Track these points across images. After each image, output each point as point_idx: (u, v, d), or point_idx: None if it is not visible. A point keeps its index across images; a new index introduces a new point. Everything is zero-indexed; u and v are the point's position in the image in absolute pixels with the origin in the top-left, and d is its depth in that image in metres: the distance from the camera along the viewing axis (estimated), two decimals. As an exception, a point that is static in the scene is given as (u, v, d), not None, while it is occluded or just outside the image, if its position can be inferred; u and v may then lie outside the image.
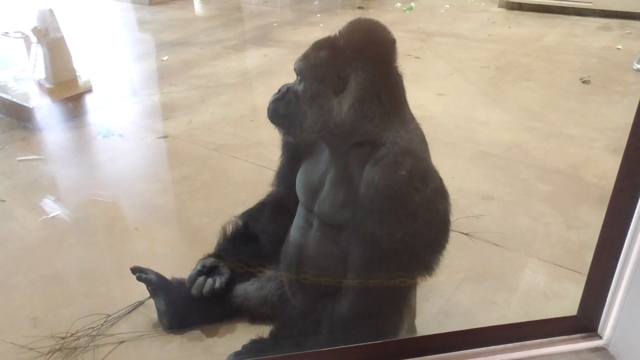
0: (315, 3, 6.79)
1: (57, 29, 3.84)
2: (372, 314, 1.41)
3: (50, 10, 3.83)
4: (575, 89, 3.82)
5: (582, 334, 1.20)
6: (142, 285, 1.80)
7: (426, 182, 1.33)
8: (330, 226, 1.49)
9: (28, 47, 4.02)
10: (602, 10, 5.64)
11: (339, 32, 1.39)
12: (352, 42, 1.35)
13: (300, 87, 1.40)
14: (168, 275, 1.85)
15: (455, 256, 2.10)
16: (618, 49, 4.68)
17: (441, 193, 1.37)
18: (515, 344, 1.18)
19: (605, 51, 4.63)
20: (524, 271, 2.06)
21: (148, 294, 1.83)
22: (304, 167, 1.61)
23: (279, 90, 1.46)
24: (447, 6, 6.33)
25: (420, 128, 1.45)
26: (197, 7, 6.94)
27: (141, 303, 1.89)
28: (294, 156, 1.69)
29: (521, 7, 6.03)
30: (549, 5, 5.87)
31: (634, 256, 1.06)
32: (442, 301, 1.91)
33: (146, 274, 1.76)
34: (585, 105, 3.54)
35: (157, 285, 1.76)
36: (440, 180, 1.38)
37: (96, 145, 3.19)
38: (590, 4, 5.69)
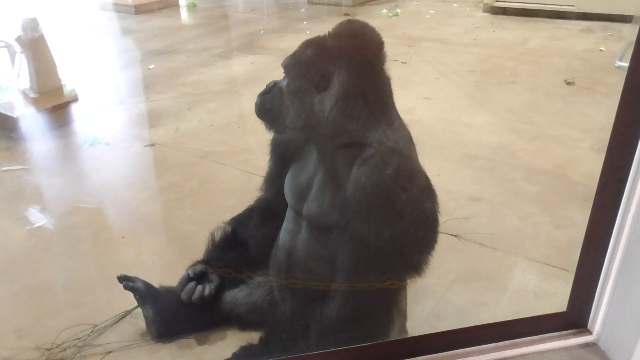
0: (302, 11, 6.81)
1: (42, 38, 3.81)
2: (361, 316, 1.41)
3: (34, 19, 3.80)
4: (560, 90, 3.86)
5: (573, 330, 1.20)
6: (130, 294, 1.77)
7: (413, 182, 1.33)
8: (319, 228, 1.48)
9: (12, 57, 3.98)
10: (585, 13, 5.71)
11: (328, 32, 1.40)
12: (339, 41, 1.35)
13: (285, 83, 1.41)
14: (156, 283, 1.82)
15: (445, 258, 2.10)
16: (601, 50, 4.74)
17: (429, 192, 1.37)
18: (506, 342, 1.18)
19: (589, 53, 4.68)
20: (513, 271, 2.06)
21: (135, 303, 1.81)
22: (292, 170, 1.60)
23: (267, 85, 1.47)
24: (433, 12, 6.38)
25: (407, 129, 1.45)
26: (184, 15, 6.93)
27: (128, 312, 1.86)
28: (282, 160, 1.69)
29: (505, 12, 6.10)
30: (533, 10, 5.93)
31: (620, 250, 1.06)
32: (432, 303, 1.91)
33: (133, 282, 1.74)
34: (570, 107, 3.57)
35: (145, 293, 1.73)
36: (428, 179, 1.39)
37: (82, 154, 3.15)
38: (573, 7, 5.76)
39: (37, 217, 2.46)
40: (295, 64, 1.42)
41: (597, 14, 5.62)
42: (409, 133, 1.44)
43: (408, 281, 1.49)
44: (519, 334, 1.21)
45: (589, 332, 1.20)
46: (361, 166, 1.34)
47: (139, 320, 1.81)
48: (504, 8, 6.10)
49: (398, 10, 6.45)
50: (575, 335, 1.20)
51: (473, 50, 4.88)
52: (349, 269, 1.39)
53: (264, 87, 1.49)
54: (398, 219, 1.32)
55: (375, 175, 1.31)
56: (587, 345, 1.18)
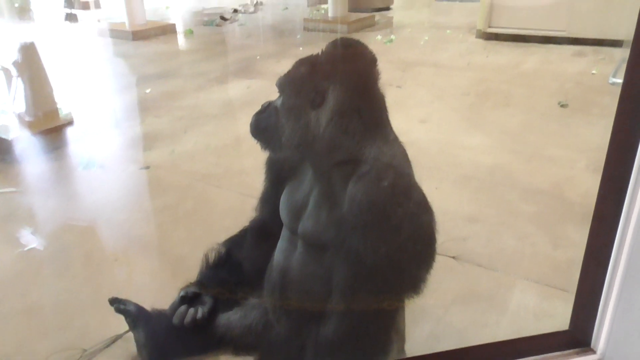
0: (298, 37, 6.90)
1: (38, 62, 3.83)
2: (359, 336, 1.37)
3: (32, 44, 3.82)
4: (554, 112, 3.88)
5: (576, 349, 1.17)
6: (121, 318, 1.72)
7: (410, 197, 1.31)
8: (315, 247, 1.45)
9: (8, 81, 3.99)
10: (575, 38, 5.80)
11: (322, 50, 1.40)
12: (332, 58, 1.35)
13: (280, 102, 1.40)
14: (148, 306, 1.78)
15: (443, 279, 2.07)
16: (593, 73, 4.79)
17: (425, 208, 1.35)
18: (507, 361, 1.15)
19: (581, 76, 4.74)
20: (513, 292, 2.03)
21: (127, 327, 1.76)
22: (288, 189, 1.58)
23: (262, 105, 1.46)
24: (426, 38, 6.46)
25: (402, 146, 1.44)
26: (181, 41, 7.00)
27: (119, 336, 1.82)
28: (277, 180, 1.67)
29: (497, 37, 6.19)
30: (524, 35, 6.03)
31: (622, 263, 1.04)
32: (431, 324, 1.87)
33: (124, 304, 1.69)
34: (564, 128, 3.59)
35: (136, 316, 1.68)
36: (424, 195, 1.37)
37: (76, 177, 3.13)
38: (564, 32, 5.86)
39: (29, 240, 2.42)
40: (290, 82, 1.41)
41: (588, 39, 5.72)
42: (404, 149, 1.43)
43: (406, 301, 1.45)
44: (520, 353, 1.17)
45: (593, 351, 1.17)
46: (357, 183, 1.32)
47: (130, 345, 1.76)
48: (496, 34, 6.19)
49: (392, 36, 6.54)
50: (578, 354, 1.16)
51: (467, 74, 4.93)
52: (345, 288, 1.36)
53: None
54: (395, 235, 1.30)
55: (371, 191, 1.29)
56: (590, 364, 1.15)
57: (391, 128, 1.44)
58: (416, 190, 1.36)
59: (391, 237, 1.31)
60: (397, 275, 1.35)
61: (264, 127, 1.45)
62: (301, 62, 1.42)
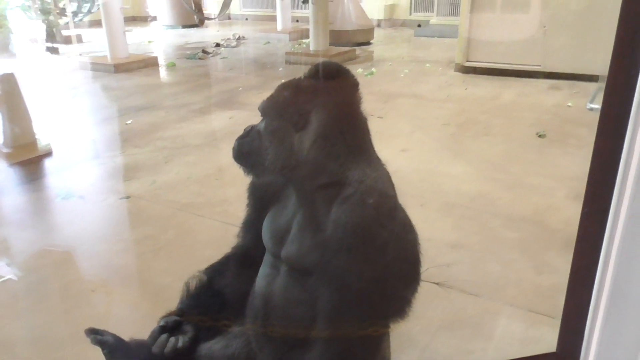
0: (280, 70, 6.99)
1: (18, 93, 3.80)
2: (344, 361, 1.33)
3: (12, 75, 3.80)
4: (533, 142, 3.96)
5: (564, 372, 1.16)
6: (99, 350, 1.66)
7: (394, 219, 1.31)
8: (298, 272, 1.43)
9: (-14, 113, 3.94)
10: (551, 73, 5.99)
11: (304, 74, 1.41)
12: (315, 81, 1.36)
13: (262, 125, 1.40)
14: (127, 337, 1.72)
15: (429, 306, 2.05)
16: (569, 106, 4.92)
17: (410, 230, 1.35)
18: (496, 385, 1.12)
19: (557, 108, 4.86)
20: (498, 318, 2.02)
21: (104, 359, 1.69)
22: (271, 213, 1.56)
23: (244, 129, 1.46)
24: (406, 71, 6.60)
25: (386, 168, 1.45)
26: (163, 74, 7.03)
27: (96, 369, 1.74)
28: (260, 205, 1.65)
29: (476, 71, 6.35)
30: (502, 69, 6.20)
31: (607, 283, 1.04)
32: (417, 352, 1.84)
33: (102, 335, 1.63)
34: (543, 157, 3.65)
35: (114, 347, 1.62)
36: (408, 217, 1.36)
37: (54, 208, 3.07)
38: (540, 67, 6.04)
39: (3, 272, 2.34)
40: (273, 105, 1.42)
41: (563, 73, 5.90)
42: (387, 172, 1.43)
43: (392, 326, 1.43)
44: (509, 376, 1.15)
45: (581, 374, 1.15)
46: (341, 205, 1.31)
47: (107, 378, 1.69)
48: (475, 67, 6.36)
49: (373, 69, 6.66)
50: (567, 376, 1.15)
51: (447, 105, 5.02)
52: (330, 313, 1.33)
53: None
54: (380, 258, 1.29)
55: (355, 213, 1.28)
56: (579, 387, 1.14)
57: (374, 150, 1.45)
58: (400, 212, 1.36)
59: (376, 260, 1.30)
60: (383, 299, 1.33)
61: (247, 151, 1.44)
62: (284, 86, 1.43)
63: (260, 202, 1.64)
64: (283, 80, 1.49)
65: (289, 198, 1.53)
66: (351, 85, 1.41)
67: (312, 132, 1.35)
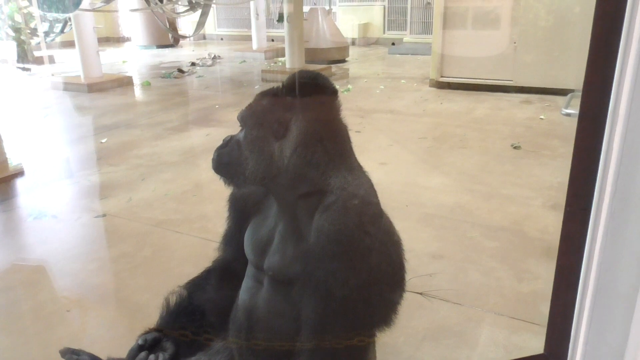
0: (256, 87, 7.00)
1: (-12, 112, 3.70)
2: (330, 374, 1.30)
3: (-19, 94, 3.71)
4: (508, 154, 4.02)
5: (551, 374, 1.15)
6: (74, 371, 1.60)
7: (377, 226, 1.30)
8: (282, 283, 1.40)
9: (-45, 133, 3.83)
10: (522, 87, 6.14)
11: (282, 83, 1.40)
12: (294, 90, 1.35)
13: (242, 135, 1.38)
14: (104, 356, 1.66)
15: (412, 316, 2.03)
16: (541, 118, 5.04)
17: (393, 237, 1.34)
18: (485, 389, 1.11)
19: (530, 121, 4.97)
20: (482, 326, 2.01)
21: (80, 381, 1.62)
22: (252, 225, 1.54)
23: (223, 140, 1.43)
24: (382, 87, 6.68)
25: (367, 175, 1.44)
26: (138, 93, 6.97)
27: (71, 391, 1.67)
28: (241, 216, 1.62)
29: (450, 86, 6.47)
30: (475, 84, 6.33)
31: (592, 282, 1.04)
32: (403, 363, 1.82)
33: (78, 355, 1.57)
34: (518, 168, 3.71)
35: (91, 367, 1.56)
36: (391, 224, 1.36)
37: (26, 228, 2.97)
38: (511, 82, 6.19)
39: (-29, 294, 2.25)
40: (252, 114, 1.40)
41: (533, 88, 6.07)
42: (369, 178, 1.42)
43: (378, 334, 1.41)
44: (498, 379, 1.14)
45: (568, 375, 1.15)
46: (323, 213, 1.29)
47: (82, 400, 1.62)
48: (449, 83, 6.48)
49: (349, 86, 6.72)
50: (554, 378, 1.14)
51: (423, 119, 5.08)
52: (314, 323, 1.30)
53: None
54: (364, 265, 1.27)
55: (338, 221, 1.26)
56: (567, 388, 1.13)
57: (355, 158, 1.45)
58: (383, 218, 1.35)
59: (360, 267, 1.28)
60: (368, 307, 1.31)
61: (227, 161, 1.41)
62: (262, 95, 1.42)
63: (241, 213, 1.61)
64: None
65: (270, 208, 1.51)
66: (330, 93, 1.41)
67: (292, 140, 1.34)
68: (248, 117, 1.40)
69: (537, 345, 1.55)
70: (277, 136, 1.35)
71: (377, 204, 1.38)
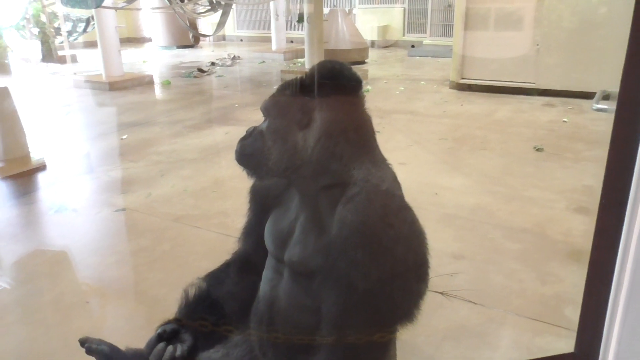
0: (275, 88, 6.99)
1: (12, 106, 3.76)
2: (351, 368, 1.28)
3: (5, 88, 3.77)
4: (530, 156, 3.95)
5: (581, 375, 1.11)
6: (92, 361, 1.59)
7: (401, 218, 1.27)
8: (302, 275, 1.38)
9: (-21, 127, 3.89)
10: (545, 90, 6.04)
11: (305, 73, 1.39)
12: (318, 79, 1.33)
13: (265, 125, 1.37)
14: (122, 347, 1.65)
15: (433, 315, 2.00)
16: (564, 121, 4.95)
17: (417, 230, 1.31)
18: (512, 387, 1.07)
19: (553, 124, 4.88)
20: (504, 328, 1.97)
21: (98, 370, 1.62)
22: (273, 216, 1.52)
23: (246, 131, 1.42)
24: (402, 88, 6.64)
25: (391, 168, 1.41)
26: (158, 92, 7.02)
27: (90, 381, 1.67)
28: (262, 208, 1.60)
29: (471, 88, 6.39)
30: (496, 86, 6.24)
31: (627, 278, 1.00)
32: (423, 362, 1.78)
33: (97, 344, 1.56)
34: (541, 171, 3.64)
35: (109, 356, 1.55)
36: (415, 217, 1.32)
37: (47, 221, 3.00)
38: (533, 84, 6.09)
39: (-7, 284, 2.28)
40: (275, 104, 1.39)
41: (556, 90, 5.96)
42: (393, 171, 1.39)
43: (399, 330, 1.38)
44: (525, 377, 1.10)
45: (599, 376, 1.11)
46: (346, 205, 1.27)
47: (100, 390, 1.62)
48: (470, 85, 6.40)
49: (369, 87, 6.69)
50: (584, 379, 1.10)
51: (443, 121, 5.03)
52: (335, 316, 1.28)
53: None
54: (387, 258, 1.24)
55: (361, 212, 1.24)
56: (598, 390, 1.09)
57: (379, 150, 1.42)
58: (407, 211, 1.32)
59: (383, 261, 1.25)
60: (391, 301, 1.28)
61: (250, 152, 1.40)
62: (286, 85, 1.40)
63: (262, 205, 1.60)
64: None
65: (291, 200, 1.49)
66: (354, 82, 1.38)
67: (316, 130, 1.32)
68: (271, 107, 1.39)
69: (562, 348, 1.50)
70: (300, 126, 1.33)
71: (401, 196, 1.35)
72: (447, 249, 2.52)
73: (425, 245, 1.33)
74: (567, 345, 1.64)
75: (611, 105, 1.08)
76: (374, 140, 1.41)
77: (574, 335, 1.89)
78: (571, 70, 5.83)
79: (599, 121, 4.88)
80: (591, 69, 5.64)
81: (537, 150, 4.05)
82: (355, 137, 1.34)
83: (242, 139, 1.42)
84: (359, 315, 1.25)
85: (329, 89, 1.34)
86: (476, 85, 6.36)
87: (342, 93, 1.35)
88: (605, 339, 1.08)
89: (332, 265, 1.27)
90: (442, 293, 2.14)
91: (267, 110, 1.40)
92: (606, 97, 1.62)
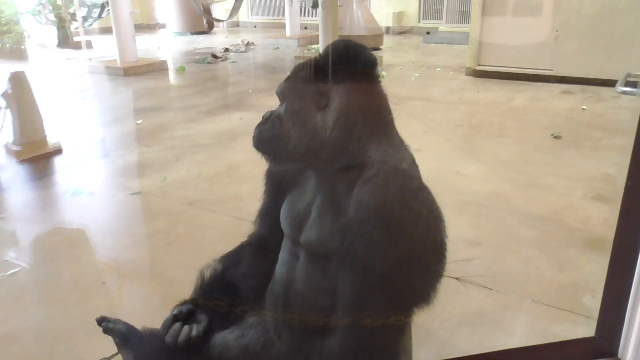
0: (289, 74, 6.95)
1: (28, 90, 3.78)
2: (366, 350, 1.27)
3: (22, 73, 3.79)
4: (547, 143, 3.89)
5: None
6: (109, 340, 1.60)
7: (420, 200, 1.25)
8: (319, 257, 1.37)
9: (-3, 111, 3.93)
10: (563, 77, 5.93)
11: (319, 54, 1.37)
12: (333, 58, 1.31)
13: (283, 109, 1.35)
14: (138, 327, 1.66)
15: (448, 301, 1.99)
16: (583, 109, 4.86)
17: (435, 212, 1.29)
18: (531, 371, 1.06)
19: (571, 111, 4.80)
20: (520, 314, 1.95)
21: (114, 349, 1.63)
22: (289, 198, 1.51)
23: (263, 116, 1.40)
24: (417, 75, 6.57)
25: (409, 149, 1.39)
26: (172, 77, 7.03)
27: (106, 359, 1.69)
28: (277, 191, 1.60)
29: (487, 75, 6.30)
30: (513, 73, 6.15)
31: (652, 262, 0.98)
32: (437, 347, 1.77)
33: (114, 323, 1.57)
34: (559, 158, 3.59)
35: (126, 335, 1.57)
36: (434, 199, 1.31)
37: (63, 204, 3.03)
38: (552, 71, 5.99)
39: (11, 265, 2.30)
40: (292, 86, 1.37)
41: (575, 78, 5.85)
42: (410, 153, 1.38)
43: (415, 313, 1.37)
44: (545, 361, 1.09)
45: (620, 361, 1.09)
46: (363, 186, 1.25)
47: (117, 369, 1.64)
48: (486, 71, 6.31)
49: (384, 73, 6.63)
50: (605, 364, 1.08)
51: (459, 107, 4.97)
52: (352, 297, 1.27)
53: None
54: (405, 240, 1.23)
55: (379, 193, 1.22)
56: (619, 375, 1.07)
57: (396, 131, 1.40)
58: (425, 192, 1.31)
59: (400, 242, 1.24)
60: (408, 283, 1.27)
61: (268, 137, 1.38)
62: (300, 67, 1.38)
63: (278, 187, 1.59)
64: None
65: (307, 182, 1.48)
66: (370, 61, 1.36)
67: (334, 110, 1.30)
68: (288, 90, 1.37)
69: (578, 336, 1.48)
70: (319, 107, 1.31)
71: (419, 177, 1.34)
72: (462, 235, 2.50)
73: (442, 227, 1.31)
74: (584, 332, 1.63)
75: (635, 88, 1.04)
76: (392, 120, 1.40)
77: (591, 322, 1.86)
78: (591, 57, 5.72)
79: (618, 109, 4.79)
80: (612, 56, 5.53)
81: (555, 137, 3.98)
82: (373, 116, 1.33)
83: (260, 125, 1.40)
84: (376, 297, 1.24)
85: (345, 68, 1.32)
86: (493, 72, 6.27)
87: (358, 71, 1.33)
88: (628, 323, 1.06)
89: (349, 246, 1.26)
90: (457, 279, 2.13)
91: (283, 93, 1.38)
92: (632, 82, 1.58)
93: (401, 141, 1.39)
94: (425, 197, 1.29)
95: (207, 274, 1.71)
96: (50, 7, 9.40)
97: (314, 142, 1.31)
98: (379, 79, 1.40)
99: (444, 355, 1.74)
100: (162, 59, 7.91)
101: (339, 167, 1.34)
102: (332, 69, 1.33)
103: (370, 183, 1.24)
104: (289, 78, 1.39)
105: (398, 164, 1.29)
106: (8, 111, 3.79)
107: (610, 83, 5.44)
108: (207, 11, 9.73)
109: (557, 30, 5.88)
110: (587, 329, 1.79)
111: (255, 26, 13.57)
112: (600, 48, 5.65)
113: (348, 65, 1.33)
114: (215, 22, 12.06)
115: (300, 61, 1.41)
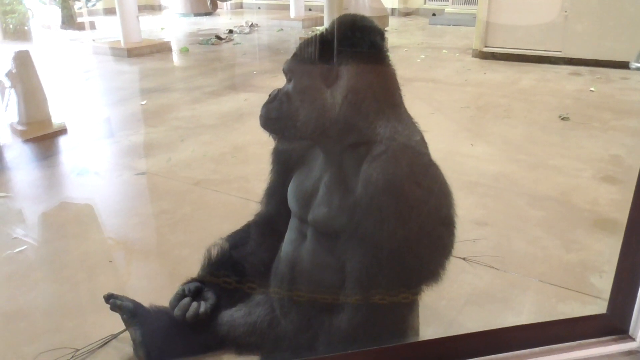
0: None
1: (33, 70, 3.76)
2: (374, 326, 1.27)
3: (27, 52, 3.76)
4: (555, 125, 3.86)
5: (613, 337, 1.08)
6: (116, 318, 1.61)
7: (429, 177, 1.25)
8: (326, 235, 1.37)
9: (1, 92, 3.91)
10: (571, 59, 5.86)
11: (326, 28, 1.34)
12: (339, 33, 1.29)
13: (290, 86, 1.33)
14: (145, 304, 1.67)
15: (455, 280, 1.98)
16: (591, 90, 4.80)
17: (444, 189, 1.28)
18: (542, 347, 1.05)
19: (579, 93, 4.75)
20: (527, 293, 1.95)
21: (122, 327, 1.65)
22: (296, 177, 1.50)
23: (270, 94, 1.38)
24: (423, 56, 6.50)
25: (417, 126, 1.38)
26: (176, 58, 6.98)
27: (115, 336, 1.70)
28: (285, 169, 1.58)
29: (494, 57, 6.23)
30: (520, 54, 6.07)
31: (667, 238, 0.96)
32: (444, 326, 1.77)
33: (121, 300, 1.59)
34: (567, 139, 3.56)
35: (134, 313, 1.58)
36: (443, 176, 1.29)
37: (69, 183, 3.03)
38: (560, 53, 5.91)
39: (18, 243, 2.31)
40: (300, 62, 1.35)
41: (584, 59, 5.77)
42: (419, 129, 1.36)
43: (424, 290, 1.36)
44: (555, 337, 1.08)
45: (632, 339, 1.08)
46: (372, 163, 1.24)
47: (125, 345, 1.65)
48: (493, 53, 6.24)
49: (389, 54, 6.56)
50: (616, 341, 1.08)
51: (465, 89, 4.92)
52: (360, 275, 1.27)
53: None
54: (414, 217, 1.22)
55: (387, 170, 1.21)
56: (630, 353, 1.06)
57: (405, 107, 1.38)
58: (434, 169, 1.29)
59: (409, 219, 1.23)
60: (416, 261, 1.26)
61: (276, 116, 1.36)
62: (307, 42, 1.35)
63: (285, 166, 1.57)
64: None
65: (315, 160, 1.46)
66: (377, 35, 1.34)
67: (342, 86, 1.28)
68: (295, 67, 1.35)
69: (585, 315, 1.47)
70: (327, 83, 1.29)
71: (428, 154, 1.32)
72: (469, 215, 2.48)
73: (451, 204, 1.30)
74: (592, 312, 1.61)
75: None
76: (400, 95, 1.38)
77: (599, 302, 1.86)
78: (601, 38, 5.63)
79: (628, 90, 4.73)
80: (622, 37, 5.44)
81: (563, 119, 3.94)
82: (382, 92, 1.31)
83: (267, 103, 1.37)
84: (385, 273, 1.24)
85: (353, 42, 1.30)
86: (500, 53, 6.19)
87: (364, 43, 1.31)
88: (639, 304, 1.05)
89: (358, 224, 1.25)
90: (464, 258, 2.12)
91: (290, 70, 1.35)
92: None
93: (410, 117, 1.38)
94: (434, 174, 1.29)
95: (214, 252, 1.71)
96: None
97: (323, 120, 1.30)
98: (387, 54, 1.38)
99: (452, 334, 1.74)
100: (166, 40, 7.85)
101: (348, 144, 1.32)
102: (340, 44, 1.30)
103: (379, 160, 1.23)
104: (295, 55, 1.36)
105: (407, 141, 1.27)
106: (12, 91, 3.77)
107: (620, 65, 5.37)
108: (211, -9, 9.63)
109: (566, 11, 5.79)
110: (595, 309, 1.78)
111: (259, 7, 13.43)
112: (610, 29, 5.56)
113: (355, 39, 1.30)
114: (219, 3, 11.94)
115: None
